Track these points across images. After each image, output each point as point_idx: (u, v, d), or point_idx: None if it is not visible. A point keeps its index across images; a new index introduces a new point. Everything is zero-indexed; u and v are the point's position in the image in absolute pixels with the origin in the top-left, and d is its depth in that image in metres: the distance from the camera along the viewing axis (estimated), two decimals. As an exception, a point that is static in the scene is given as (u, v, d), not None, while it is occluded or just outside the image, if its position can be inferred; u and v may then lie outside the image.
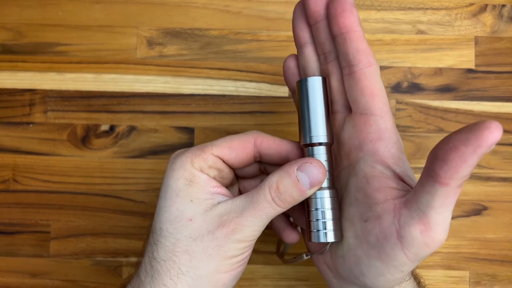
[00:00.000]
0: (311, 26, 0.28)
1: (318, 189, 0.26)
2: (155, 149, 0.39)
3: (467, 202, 0.39)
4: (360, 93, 0.26)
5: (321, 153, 0.27)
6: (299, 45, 0.29)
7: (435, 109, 0.39)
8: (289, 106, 0.39)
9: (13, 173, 0.39)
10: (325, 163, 0.26)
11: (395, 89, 0.40)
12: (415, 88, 0.40)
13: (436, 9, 0.40)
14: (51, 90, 0.40)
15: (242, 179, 0.32)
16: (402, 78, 0.40)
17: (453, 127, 0.39)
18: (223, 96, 0.40)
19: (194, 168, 0.26)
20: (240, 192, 0.32)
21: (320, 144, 0.26)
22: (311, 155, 0.27)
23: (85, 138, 0.39)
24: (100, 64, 0.40)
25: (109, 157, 0.39)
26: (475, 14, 0.40)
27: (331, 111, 0.28)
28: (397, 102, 0.39)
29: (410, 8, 0.40)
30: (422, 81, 0.40)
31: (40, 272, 0.39)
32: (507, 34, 0.40)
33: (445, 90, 0.40)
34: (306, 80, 0.27)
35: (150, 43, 0.40)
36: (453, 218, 0.39)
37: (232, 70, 0.40)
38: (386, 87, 0.39)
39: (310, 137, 0.26)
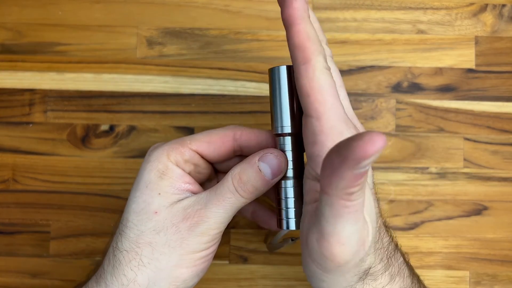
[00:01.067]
0: None
1: (284, 179, 0.27)
2: (155, 149, 0.39)
3: (467, 202, 0.39)
4: (299, 93, 0.25)
5: (286, 143, 0.27)
6: None
7: (436, 109, 0.39)
8: (289, 106, 0.39)
9: (13, 173, 0.39)
10: (290, 153, 0.27)
11: (395, 89, 0.39)
12: (415, 88, 0.40)
13: (436, 8, 0.40)
14: (50, 90, 0.40)
15: (222, 173, 0.32)
16: (402, 78, 0.40)
17: (454, 127, 0.39)
18: (223, 96, 0.40)
19: (169, 161, 0.27)
20: None
21: (289, 134, 0.27)
22: (281, 144, 0.27)
23: (85, 138, 0.39)
24: (100, 64, 0.40)
25: (109, 157, 0.39)
26: (475, 14, 0.40)
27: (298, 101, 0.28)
28: (397, 102, 0.39)
29: (410, 8, 0.40)
30: (422, 81, 0.40)
31: (39, 272, 0.39)
32: (507, 34, 0.40)
33: (446, 90, 0.40)
34: (274, 69, 0.27)
35: (150, 43, 0.40)
36: (453, 218, 0.39)
37: (232, 70, 0.40)
38: (386, 87, 0.39)
39: (280, 127, 0.27)
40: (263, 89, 0.40)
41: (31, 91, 0.40)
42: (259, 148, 0.28)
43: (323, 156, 0.23)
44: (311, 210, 0.24)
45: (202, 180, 0.30)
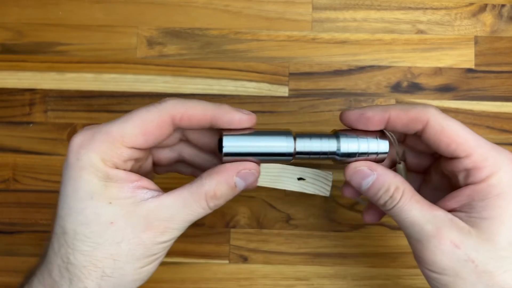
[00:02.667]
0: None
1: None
2: (155, 148, 0.39)
3: (467, 201, 0.39)
4: (438, 149, 0.27)
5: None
6: None
7: (435, 108, 0.39)
8: (289, 106, 0.39)
9: (13, 173, 0.39)
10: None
11: (395, 88, 0.40)
12: (415, 87, 0.40)
13: (436, 8, 0.40)
14: (51, 90, 0.40)
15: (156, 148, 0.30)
16: (402, 77, 0.40)
17: (453, 126, 0.39)
18: (223, 96, 0.40)
19: (107, 167, 0.24)
20: (154, 163, 0.30)
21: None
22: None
23: (85, 138, 0.39)
24: (100, 63, 0.40)
25: (109, 156, 0.39)
26: (474, 14, 0.40)
27: None
28: (397, 102, 0.39)
29: (409, 8, 0.40)
30: (422, 80, 0.40)
31: (40, 272, 0.39)
32: (506, 34, 0.40)
33: (445, 90, 0.40)
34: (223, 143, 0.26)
35: (150, 43, 0.40)
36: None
37: (232, 70, 0.40)
38: (386, 86, 0.40)
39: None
40: (263, 89, 0.40)
41: (32, 91, 0.40)
42: (201, 126, 0.26)
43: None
44: None
45: (141, 166, 0.28)
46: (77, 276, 0.24)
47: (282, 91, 0.40)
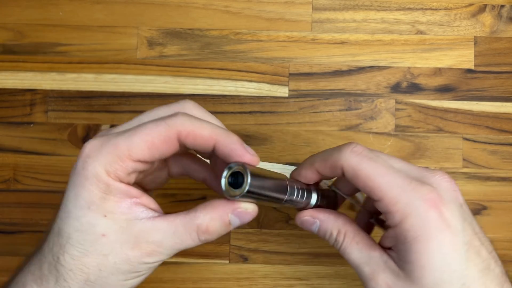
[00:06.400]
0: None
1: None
2: (155, 149, 0.39)
3: (467, 202, 0.39)
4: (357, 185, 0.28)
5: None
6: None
7: (435, 109, 0.39)
8: (289, 106, 0.40)
9: (14, 173, 0.39)
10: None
11: (394, 89, 0.40)
12: (414, 88, 0.40)
13: (435, 9, 0.40)
14: (51, 90, 0.40)
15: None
16: (402, 78, 0.40)
17: (453, 127, 0.39)
18: (223, 96, 0.40)
19: (110, 178, 0.24)
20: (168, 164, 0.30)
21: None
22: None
23: (85, 138, 0.39)
24: (101, 64, 0.40)
25: (109, 157, 0.39)
26: (474, 15, 0.40)
27: None
28: (397, 102, 0.40)
29: (409, 9, 0.40)
30: (421, 81, 0.40)
31: (40, 272, 0.39)
32: (506, 34, 0.40)
33: (445, 90, 0.40)
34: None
35: (151, 43, 0.40)
36: (452, 217, 0.39)
37: (232, 70, 0.40)
38: (385, 87, 0.40)
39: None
40: (263, 89, 0.40)
41: (32, 91, 0.40)
42: (203, 149, 0.26)
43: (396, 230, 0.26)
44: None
45: (150, 174, 0.28)
46: (63, 276, 0.25)
47: (282, 91, 0.40)
